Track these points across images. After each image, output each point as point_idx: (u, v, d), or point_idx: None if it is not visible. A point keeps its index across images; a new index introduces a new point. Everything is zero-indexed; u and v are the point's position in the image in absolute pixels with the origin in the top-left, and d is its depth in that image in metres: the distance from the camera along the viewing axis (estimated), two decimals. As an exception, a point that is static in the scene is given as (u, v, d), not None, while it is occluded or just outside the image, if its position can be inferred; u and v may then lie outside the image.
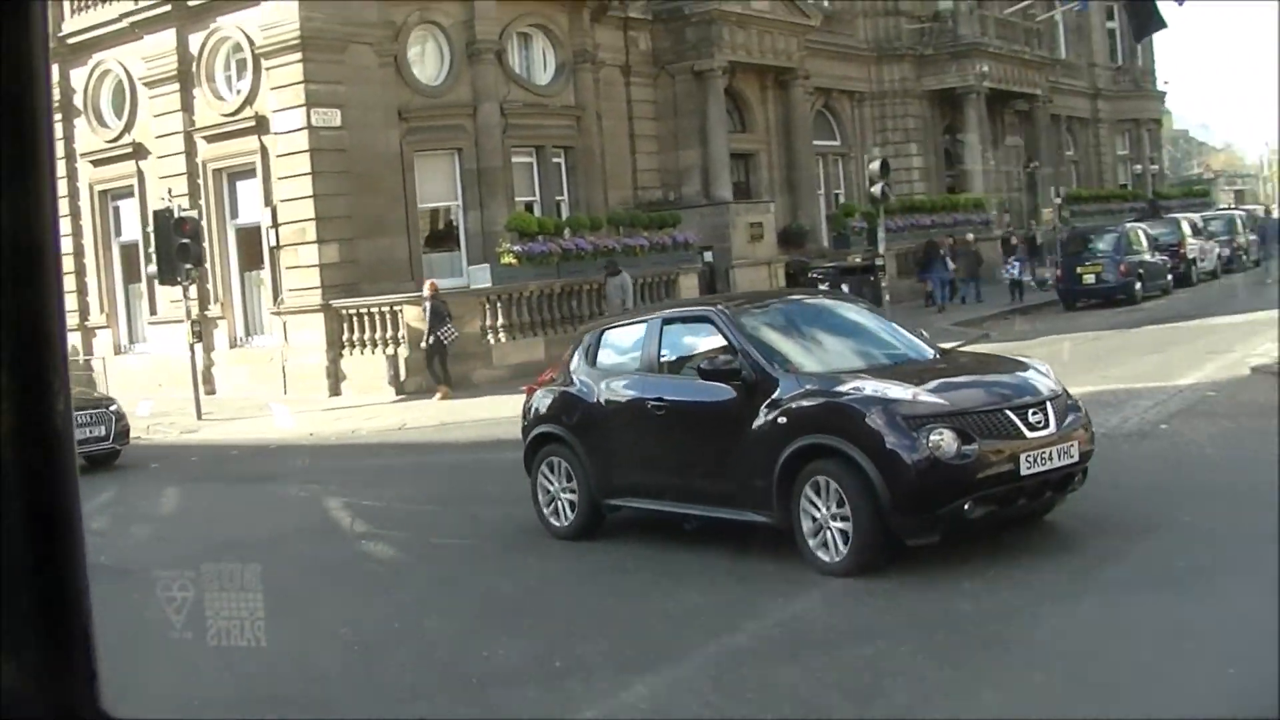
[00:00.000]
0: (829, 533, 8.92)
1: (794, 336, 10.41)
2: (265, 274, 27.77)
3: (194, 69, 28.42)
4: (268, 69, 26.89)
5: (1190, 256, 38.62)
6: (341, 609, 9.63)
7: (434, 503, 14.24)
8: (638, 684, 7.08)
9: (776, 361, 9.71)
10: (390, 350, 25.30)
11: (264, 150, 27.34)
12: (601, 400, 11.06)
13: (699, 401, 10.11)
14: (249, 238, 28.20)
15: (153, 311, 30.33)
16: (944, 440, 8.57)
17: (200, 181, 28.52)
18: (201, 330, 25.88)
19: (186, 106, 28.67)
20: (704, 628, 8.11)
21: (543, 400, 11.78)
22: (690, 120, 34.35)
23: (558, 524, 11.26)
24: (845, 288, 28.35)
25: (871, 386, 9.07)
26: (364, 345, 25.84)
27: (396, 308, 25.40)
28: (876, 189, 28.04)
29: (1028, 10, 48.37)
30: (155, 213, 25.19)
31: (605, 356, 11.37)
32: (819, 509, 8.97)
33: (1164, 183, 67.81)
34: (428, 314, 23.96)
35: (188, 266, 24.29)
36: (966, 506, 8.64)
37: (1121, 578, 8.28)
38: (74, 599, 1.78)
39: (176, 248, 24.06)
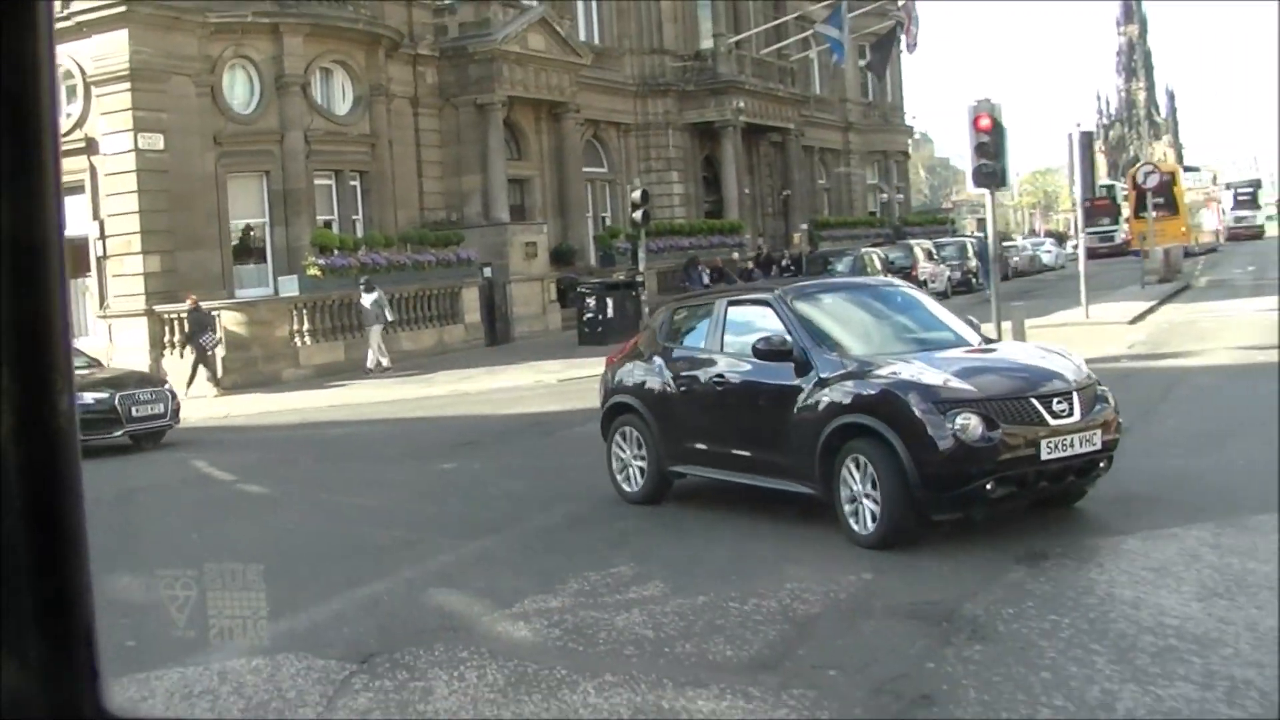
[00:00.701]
0: (862, 506, 9.84)
1: (845, 321, 11.52)
2: (92, 281, 32.14)
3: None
4: (98, 96, 31.37)
5: (921, 278, 45.43)
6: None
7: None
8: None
9: (825, 344, 10.75)
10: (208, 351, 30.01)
11: (92, 169, 31.77)
12: (669, 374, 12.19)
13: (754, 380, 11.15)
14: (75, 249, 32.53)
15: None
16: (970, 424, 9.45)
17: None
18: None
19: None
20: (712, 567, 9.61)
21: (618, 373, 13.00)
22: (472, 148, 39.75)
23: (629, 489, 12.49)
24: (609, 302, 34.12)
25: (908, 371, 10.03)
26: (184, 346, 30.47)
27: (215, 313, 30.13)
28: (638, 214, 33.89)
29: (782, 51, 55.09)
30: None
31: (674, 334, 12.63)
32: (855, 483, 9.90)
33: (909, 211, 75.64)
34: (189, 324, 28.62)
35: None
36: (988, 486, 9.48)
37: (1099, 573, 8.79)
38: (76, 598, 1.82)
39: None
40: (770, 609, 8.31)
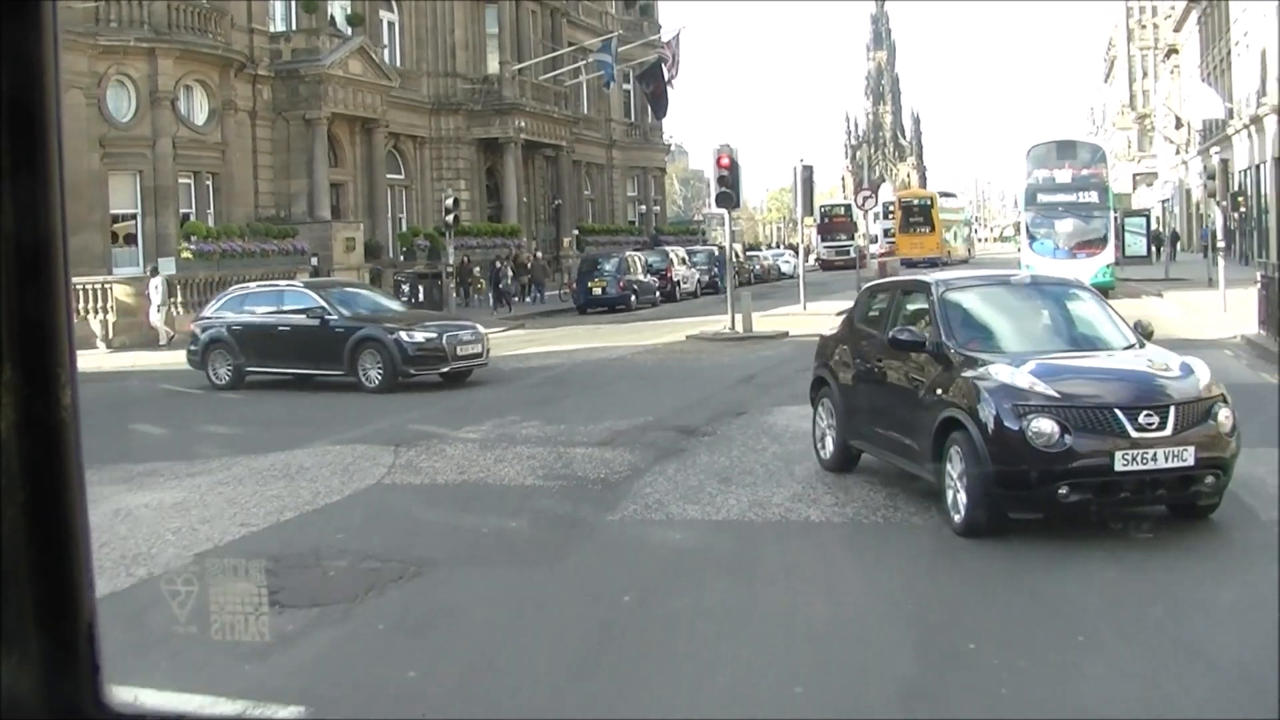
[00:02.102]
0: (956, 496, 10.75)
1: (994, 315, 12.55)
2: None
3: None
4: (5, 103, 40.72)
5: (675, 279, 57.02)
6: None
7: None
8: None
9: (957, 337, 11.72)
10: (101, 317, 39.54)
11: (-3, 163, 41.03)
12: (852, 355, 13.75)
13: (897, 365, 12.45)
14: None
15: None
16: (1042, 428, 10.22)
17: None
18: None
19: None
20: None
21: (825, 347, 14.80)
22: (299, 155, 49.77)
23: (824, 456, 14.11)
24: (420, 288, 44.65)
25: (1004, 372, 10.85)
26: (78, 313, 39.92)
27: (107, 286, 39.68)
28: (450, 217, 44.63)
29: (558, 77, 66.35)
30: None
31: (864, 316, 14.13)
32: (953, 474, 10.77)
33: (665, 221, 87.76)
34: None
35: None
36: (1061, 491, 10.14)
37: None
38: (78, 592, 1.93)
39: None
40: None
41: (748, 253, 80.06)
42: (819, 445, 14.32)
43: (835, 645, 8.70)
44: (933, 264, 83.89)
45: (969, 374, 11.07)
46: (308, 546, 11.75)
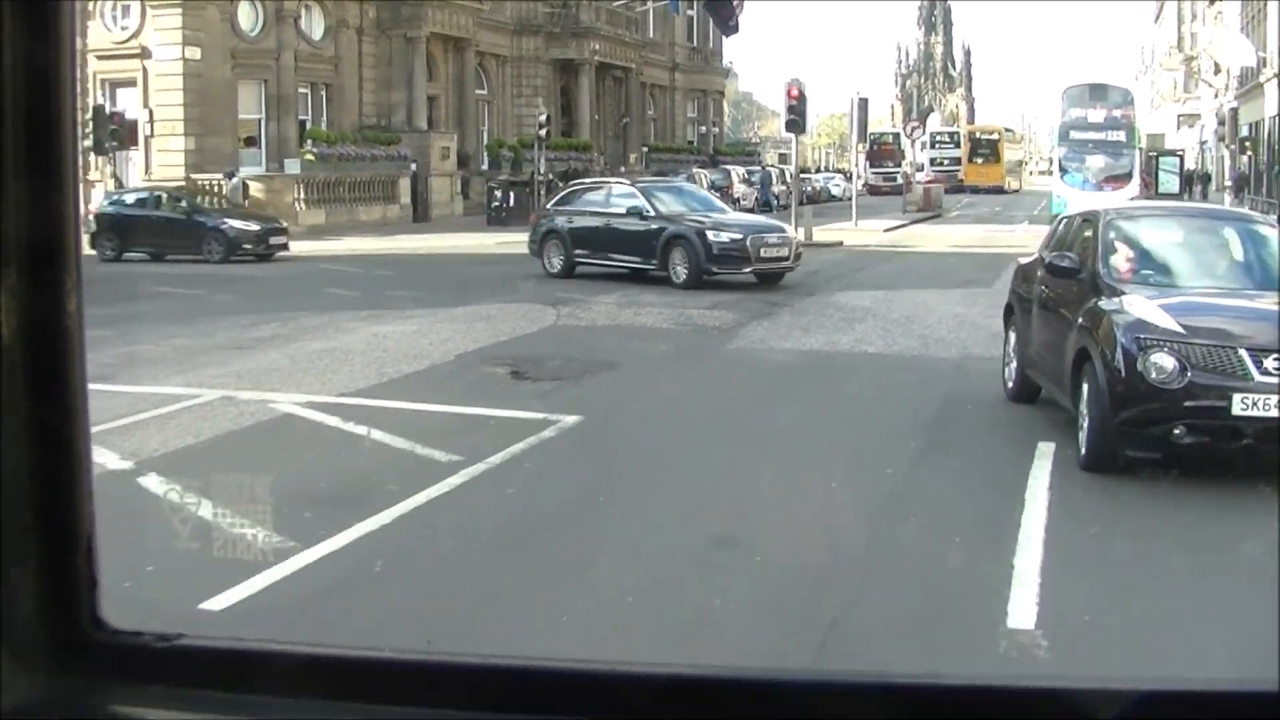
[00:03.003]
0: (1081, 428, 10.83)
1: (1153, 246, 12.54)
2: (138, 154, 47.61)
3: (89, 6, 47.97)
4: (153, 15, 46.86)
5: (735, 196, 63.14)
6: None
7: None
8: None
9: (1109, 266, 11.74)
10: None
11: (144, 70, 47.32)
12: (1032, 281, 13.73)
13: (1058, 292, 12.55)
14: (127, 126, 48.00)
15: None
16: (1161, 363, 10.00)
17: (90, 86, 48.13)
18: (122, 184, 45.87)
19: (81, 33, 48.17)
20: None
21: (1019, 273, 14.74)
22: (400, 70, 55.88)
23: (1010, 386, 14.10)
24: (511, 195, 50.78)
25: (1135, 305, 10.85)
26: (213, 202, 46.21)
27: (245, 181, 46.00)
28: (542, 132, 50.88)
29: (629, 3, 72.30)
30: (95, 108, 44.96)
31: (1048, 243, 14.05)
32: (1082, 405, 10.83)
33: (723, 142, 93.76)
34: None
35: (115, 144, 44.26)
36: (1176, 431, 9.94)
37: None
38: (77, 505, 1.90)
39: (113, 131, 44.03)
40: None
41: (800, 175, 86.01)
42: (1005, 375, 14.32)
43: (879, 411, 14.95)
44: (998, 191, 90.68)
45: (1107, 304, 11.05)
46: (528, 353, 17.99)
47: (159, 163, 46.96)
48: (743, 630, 7.51)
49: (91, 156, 47.07)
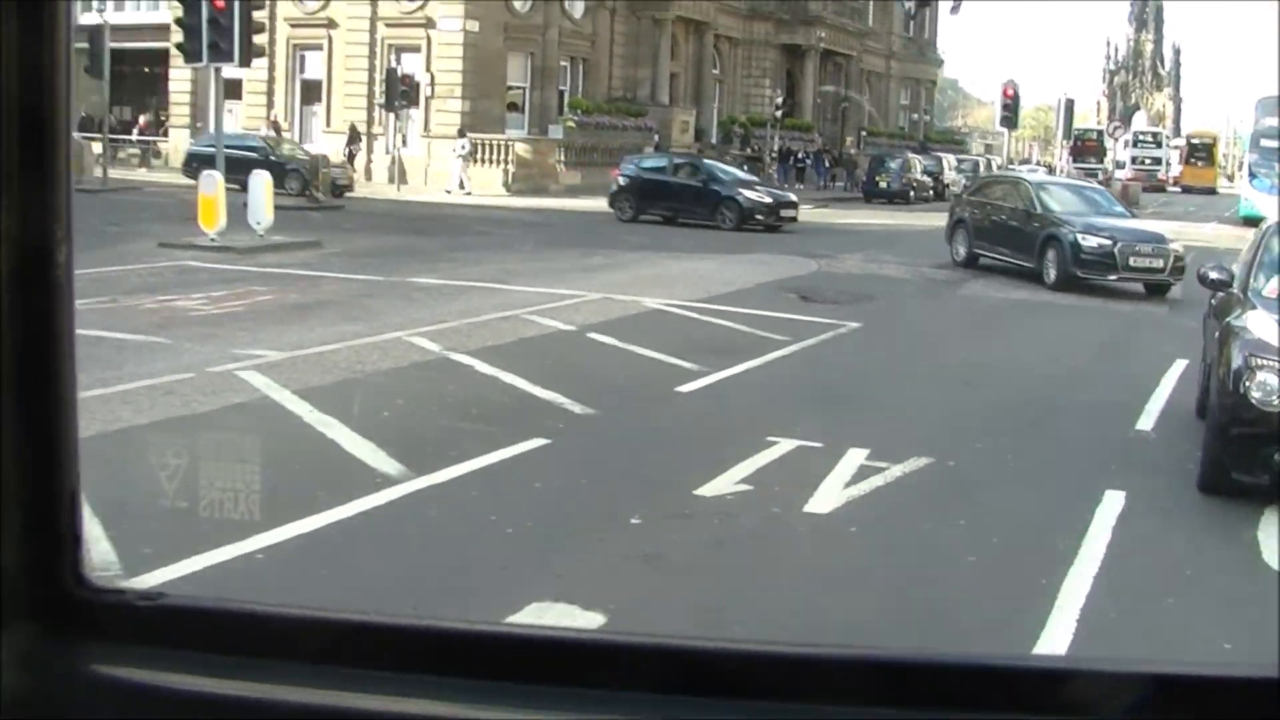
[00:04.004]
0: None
1: None
2: (418, 112, 54.68)
3: (382, -21, 55.16)
4: (441, -9, 53.94)
5: (946, 182, 68.79)
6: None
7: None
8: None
9: (1263, 278, 11.58)
10: (503, 166, 52.69)
11: (428, 39, 54.39)
12: None
13: (1216, 303, 12.53)
14: (414, 86, 55.12)
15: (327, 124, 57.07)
16: (1265, 381, 9.66)
17: (377, 50, 55.37)
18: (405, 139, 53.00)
19: (372, 4, 55.40)
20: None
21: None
22: (646, 49, 62.50)
23: (1199, 396, 13.38)
24: (745, 168, 57.05)
25: (1257, 321, 10.61)
26: (482, 161, 53.13)
27: (509, 143, 52.84)
28: (778, 113, 57.19)
29: (854, -5, 78.30)
30: (388, 70, 52.09)
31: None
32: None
33: (932, 129, 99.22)
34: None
35: (404, 103, 51.33)
36: (1276, 457, 9.46)
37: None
38: (62, 460, 1.90)
39: (402, 92, 51.10)
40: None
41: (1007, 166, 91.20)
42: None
43: (1062, 336, 20.97)
44: (1210, 192, 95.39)
45: (1236, 319, 10.82)
46: (807, 286, 24.29)
47: (436, 121, 54.00)
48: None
49: (378, 111, 54.51)
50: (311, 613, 2.07)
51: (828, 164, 65.27)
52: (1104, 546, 9.03)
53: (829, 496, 9.93)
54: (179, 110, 60.72)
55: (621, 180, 41.01)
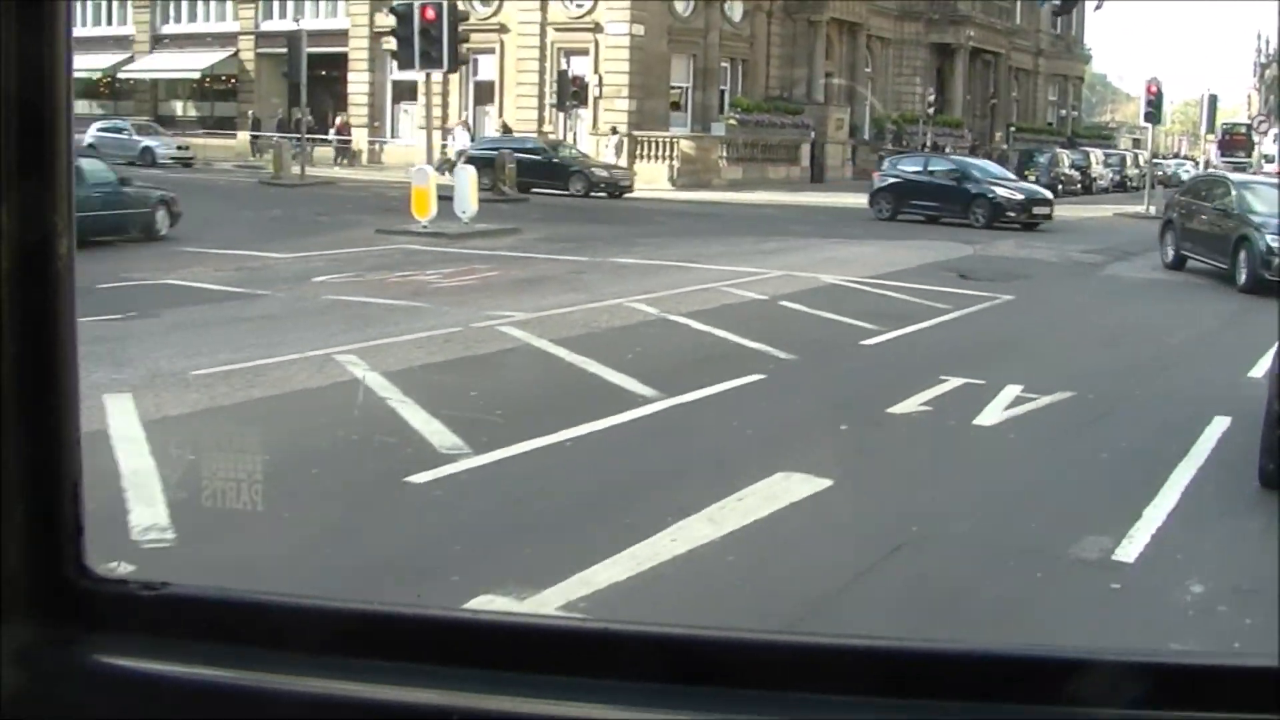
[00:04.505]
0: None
1: None
2: (587, 111, 57.88)
3: (553, -13, 58.45)
4: (625, -4, 56.98)
5: (1094, 176, 70.74)
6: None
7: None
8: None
9: None
10: (668, 161, 55.61)
11: (595, 42, 57.58)
12: None
13: None
14: (581, 85, 58.34)
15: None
16: None
17: (547, 53, 58.64)
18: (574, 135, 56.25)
19: (543, 8, 58.71)
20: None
21: None
22: (802, 49, 65.28)
23: None
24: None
25: None
26: (647, 157, 56.13)
27: (674, 140, 55.80)
28: (930, 110, 59.68)
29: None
30: (559, 72, 55.37)
31: None
32: None
33: (1080, 124, 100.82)
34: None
35: (574, 103, 54.54)
36: None
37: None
38: (64, 450, 1.90)
39: (572, 93, 54.31)
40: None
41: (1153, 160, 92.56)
42: None
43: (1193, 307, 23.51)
44: None
45: None
46: (964, 267, 26.95)
47: (604, 120, 57.12)
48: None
49: (548, 111, 57.80)
50: (315, 602, 2.09)
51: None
52: (1207, 451, 11.69)
53: (992, 415, 12.72)
54: (357, 111, 64.33)
55: (880, 181, 42.39)
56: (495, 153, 44.48)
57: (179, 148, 56.31)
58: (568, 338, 16.27)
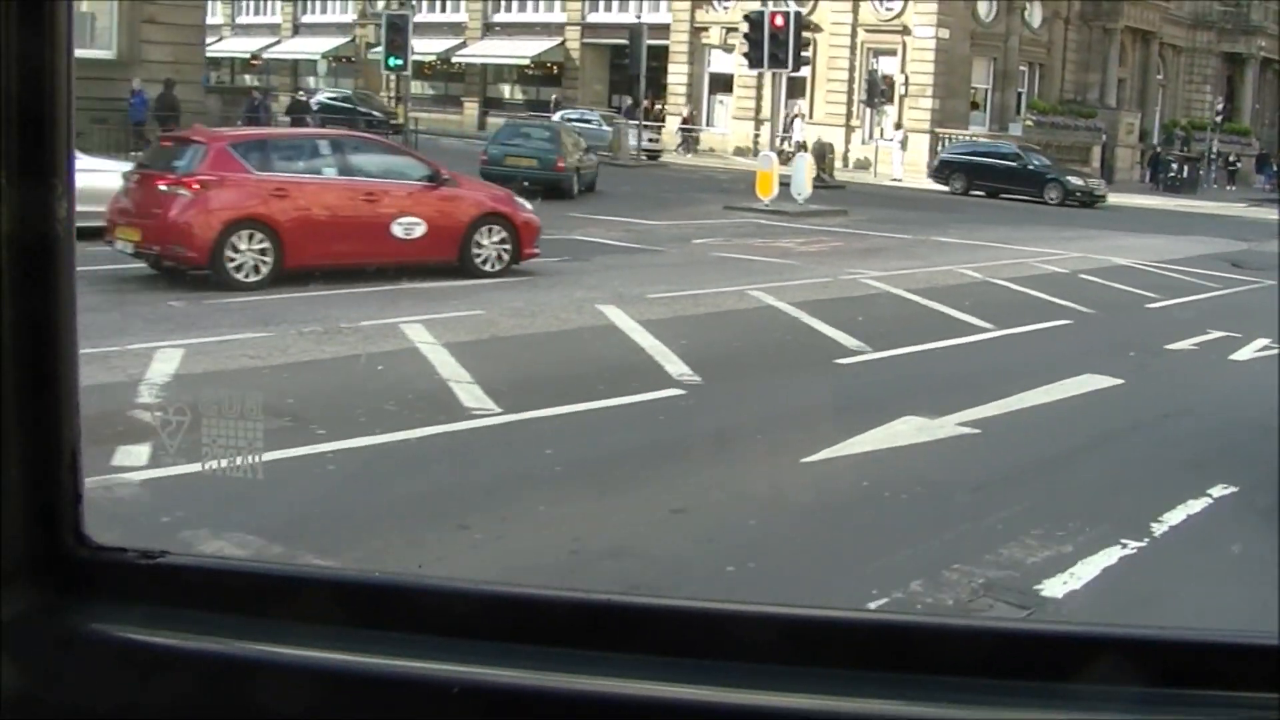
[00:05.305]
0: None
1: None
2: (892, 109, 62.54)
3: (866, -7, 63.20)
4: (915, 2, 61.53)
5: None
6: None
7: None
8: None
9: None
10: (964, 158, 59.99)
11: (904, 44, 62.19)
12: None
13: None
14: (887, 82, 63.05)
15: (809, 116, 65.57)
16: None
17: (857, 52, 63.43)
18: (877, 133, 61.05)
19: (854, 10, 63.53)
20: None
21: None
22: (1096, 56, 68.93)
23: None
24: (1186, 168, 62.91)
25: None
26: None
27: (973, 137, 60.05)
28: (1218, 119, 63.00)
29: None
30: (869, 71, 60.18)
31: None
32: None
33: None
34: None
35: (881, 100, 59.29)
36: None
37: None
38: (62, 417, 1.90)
39: (881, 91, 59.06)
40: None
41: None
42: None
43: None
44: None
45: None
46: (1235, 258, 31.07)
47: (909, 117, 61.70)
48: None
49: (856, 106, 62.67)
50: (314, 571, 2.08)
51: (1276, 167, 70.46)
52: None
53: (1245, 354, 17.38)
54: (675, 101, 69.86)
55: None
56: (971, 159, 52.33)
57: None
58: (917, 289, 21.24)
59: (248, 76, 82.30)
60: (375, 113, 57.44)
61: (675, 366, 13.84)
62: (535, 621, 1.86)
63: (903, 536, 9.10)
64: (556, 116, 58.26)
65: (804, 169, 35.78)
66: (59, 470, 1.88)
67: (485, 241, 19.89)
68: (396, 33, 41.03)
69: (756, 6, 60.11)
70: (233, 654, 1.82)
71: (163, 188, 17.61)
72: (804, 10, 63.15)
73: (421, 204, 19.42)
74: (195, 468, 8.08)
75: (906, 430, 11.62)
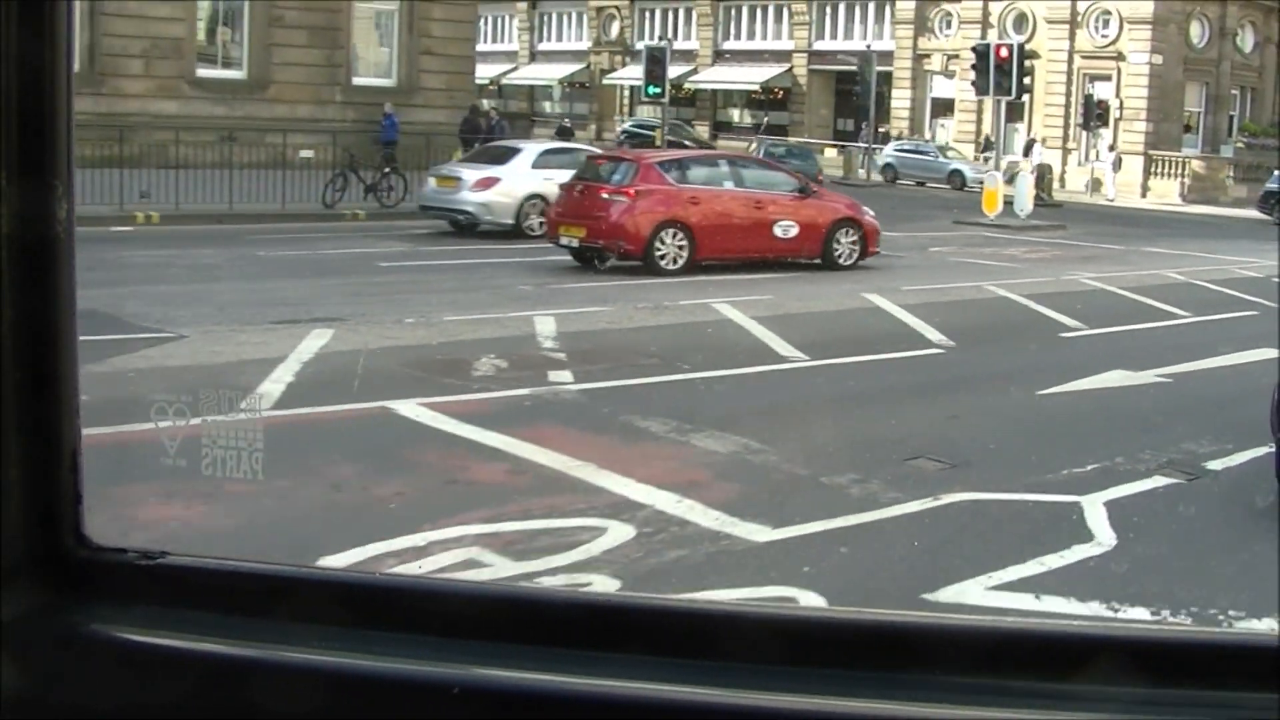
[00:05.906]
0: None
1: None
2: (1107, 131, 65.51)
3: (1078, 13, 66.36)
4: (1129, 29, 64.48)
5: None
6: None
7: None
8: None
9: None
10: (1179, 178, 62.67)
11: (1118, 70, 65.19)
12: None
13: None
14: (1100, 106, 66.14)
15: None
16: None
17: (1073, 77, 66.58)
18: (1102, 153, 64.17)
19: (1070, 37, 66.72)
20: None
21: None
22: (1309, 79, 71.31)
23: None
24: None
25: None
26: (1160, 175, 63.28)
27: (1185, 159, 62.87)
28: None
29: None
30: (1086, 95, 63.36)
31: None
32: None
33: None
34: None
35: (1097, 124, 62.39)
36: None
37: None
38: (63, 417, 1.89)
39: (1097, 114, 62.18)
40: None
41: None
42: None
43: None
44: None
45: None
46: None
47: (1123, 140, 64.65)
48: None
49: (1072, 129, 65.85)
50: (314, 572, 2.04)
51: None
52: None
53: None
54: (898, 124, 73.54)
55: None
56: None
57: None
58: (1126, 288, 25.01)
59: (485, 101, 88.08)
60: (687, 142, 61.79)
61: (934, 334, 18.06)
62: (535, 621, 1.87)
63: (1109, 437, 13.09)
64: (890, 149, 62.67)
65: (1026, 189, 39.55)
66: (59, 470, 1.89)
67: (843, 240, 25.48)
68: (655, 63, 45.37)
69: (976, 33, 65.07)
70: (233, 654, 1.83)
71: (605, 195, 22.94)
72: (1023, 38, 67.07)
73: (795, 210, 24.83)
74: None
75: (1115, 378, 15.69)
